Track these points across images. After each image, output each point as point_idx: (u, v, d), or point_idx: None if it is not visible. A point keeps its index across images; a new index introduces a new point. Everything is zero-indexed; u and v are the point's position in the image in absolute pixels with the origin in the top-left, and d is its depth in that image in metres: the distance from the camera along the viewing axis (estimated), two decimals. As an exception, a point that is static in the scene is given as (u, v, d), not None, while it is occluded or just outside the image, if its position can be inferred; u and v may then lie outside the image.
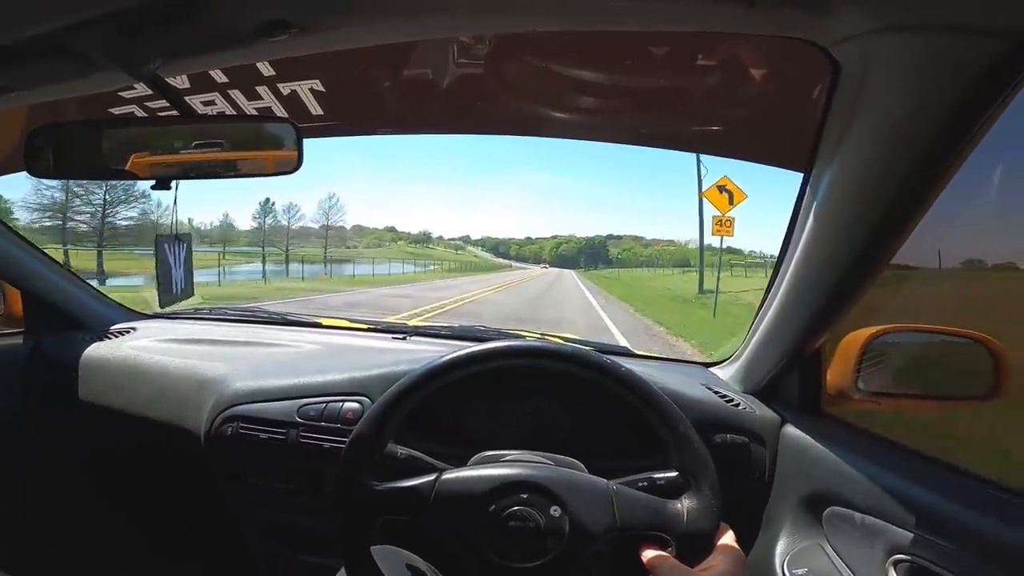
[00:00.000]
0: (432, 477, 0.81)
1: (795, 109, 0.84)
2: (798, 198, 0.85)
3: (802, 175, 0.82)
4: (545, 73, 0.96)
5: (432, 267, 45.78)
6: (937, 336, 1.00)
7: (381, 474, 0.83)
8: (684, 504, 0.80)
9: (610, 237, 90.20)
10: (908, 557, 0.75)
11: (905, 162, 0.66)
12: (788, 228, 0.90)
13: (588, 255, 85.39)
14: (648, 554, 0.77)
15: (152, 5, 0.57)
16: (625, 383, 0.87)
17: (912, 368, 1.02)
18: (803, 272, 0.88)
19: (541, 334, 1.61)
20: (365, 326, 1.64)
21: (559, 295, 19.17)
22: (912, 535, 0.74)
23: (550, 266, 76.85)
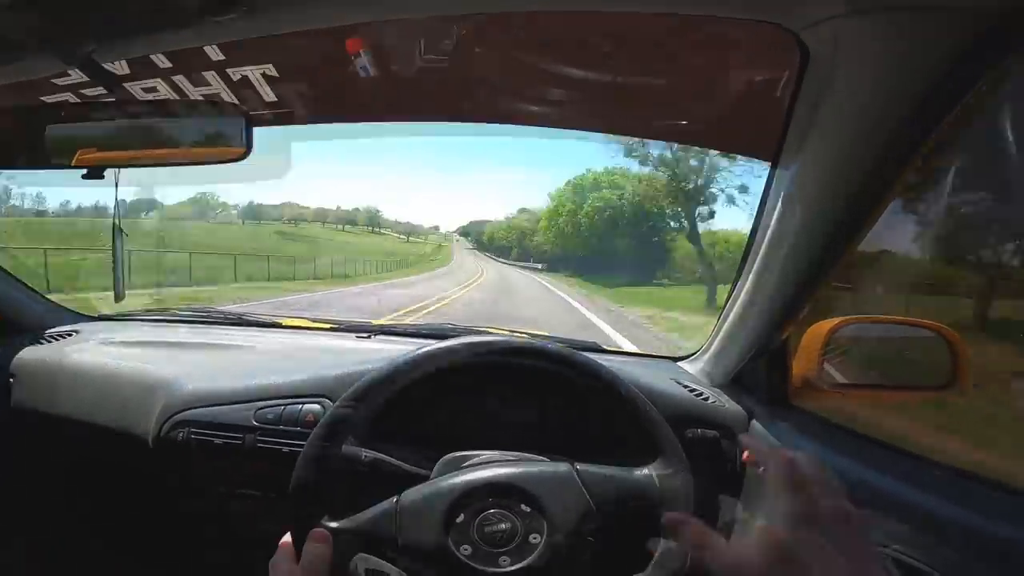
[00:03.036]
0: (393, 501, 0.77)
1: (764, 99, 0.83)
2: (765, 188, 0.85)
3: (769, 165, 0.82)
4: (513, 61, 0.94)
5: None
6: (899, 327, 1.02)
7: (337, 504, 0.77)
8: (652, 470, 0.79)
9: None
10: (884, 550, 0.74)
11: (872, 149, 0.65)
12: (755, 219, 0.89)
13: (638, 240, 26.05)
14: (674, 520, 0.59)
15: None
16: (548, 357, 0.86)
17: (875, 359, 1.04)
18: (768, 263, 0.87)
19: (510, 331, 1.59)
20: (328, 325, 1.58)
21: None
22: (887, 527, 0.73)
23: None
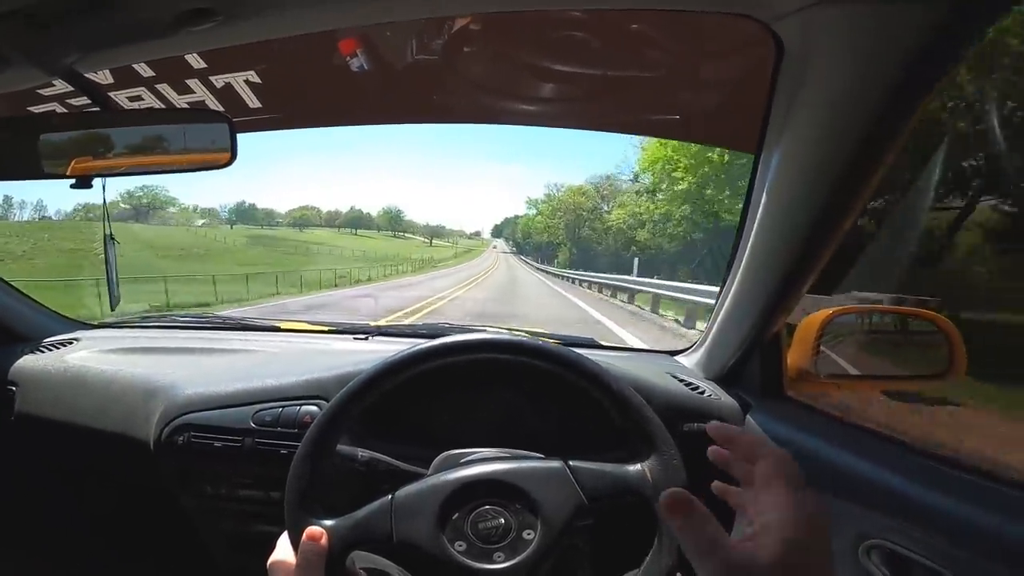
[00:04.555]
0: (388, 499, 0.76)
1: (746, 91, 0.83)
2: (750, 181, 0.84)
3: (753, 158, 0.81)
4: (495, 61, 0.94)
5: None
6: (893, 316, 1.01)
7: (334, 503, 0.77)
8: (645, 465, 0.78)
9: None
10: (880, 542, 0.73)
11: (850, 139, 0.65)
12: (742, 212, 0.89)
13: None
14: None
15: None
16: (542, 355, 0.84)
17: (871, 349, 1.03)
18: (758, 255, 0.87)
19: (509, 329, 1.58)
20: (326, 328, 1.59)
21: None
22: (882, 519, 0.73)
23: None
